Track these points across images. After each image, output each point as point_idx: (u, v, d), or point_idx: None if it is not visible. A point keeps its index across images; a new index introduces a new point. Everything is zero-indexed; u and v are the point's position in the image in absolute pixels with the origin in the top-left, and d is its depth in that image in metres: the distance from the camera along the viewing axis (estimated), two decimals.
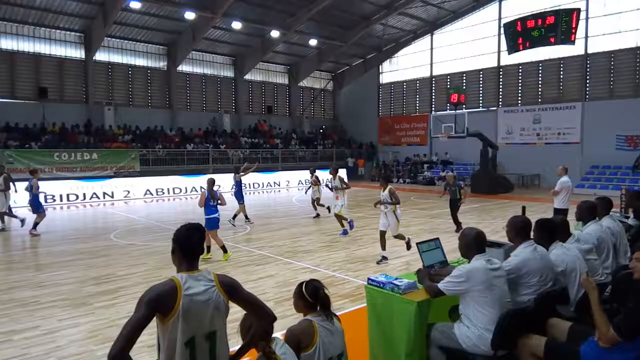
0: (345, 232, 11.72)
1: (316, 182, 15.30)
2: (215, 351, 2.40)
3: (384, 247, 8.89)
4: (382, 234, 8.89)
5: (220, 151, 27.00)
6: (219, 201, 9.08)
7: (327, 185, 13.90)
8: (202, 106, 30.45)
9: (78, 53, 25.09)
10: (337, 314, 3.20)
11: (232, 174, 14.24)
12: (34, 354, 4.92)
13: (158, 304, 2.27)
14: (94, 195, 19.98)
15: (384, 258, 8.84)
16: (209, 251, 9.02)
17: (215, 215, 8.97)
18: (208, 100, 30.70)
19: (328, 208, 14.51)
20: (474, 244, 3.57)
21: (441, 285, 3.53)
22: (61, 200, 19.13)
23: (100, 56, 25.71)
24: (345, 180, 13.14)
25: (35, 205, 12.47)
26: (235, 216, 13.13)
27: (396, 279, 3.99)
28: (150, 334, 2.20)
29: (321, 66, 34.21)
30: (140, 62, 27.57)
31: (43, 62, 24.00)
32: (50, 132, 22.81)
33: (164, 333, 2.31)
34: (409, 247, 8.97)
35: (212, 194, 9.01)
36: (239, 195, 13.55)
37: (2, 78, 22.87)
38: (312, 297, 2.95)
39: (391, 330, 3.81)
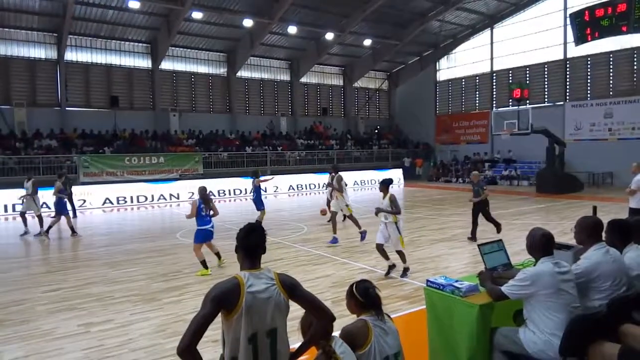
0: (335, 240, 10.65)
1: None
2: (276, 348, 2.47)
3: (386, 257, 7.89)
4: (379, 247, 7.85)
5: (277, 153, 27.57)
6: (211, 211, 8.42)
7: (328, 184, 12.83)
8: (260, 110, 31.24)
9: (145, 63, 26.62)
10: (395, 315, 3.20)
11: (251, 179, 13.51)
12: (109, 345, 5.28)
13: (222, 300, 2.37)
14: (161, 197, 21.07)
15: (391, 268, 7.87)
16: (206, 267, 8.27)
17: (209, 226, 8.35)
18: (266, 104, 31.45)
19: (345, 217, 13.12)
20: (539, 245, 3.42)
21: (505, 288, 3.41)
22: (132, 201, 20.37)
23: (165, 65, 27.10)
24: (343, 183, 11.91)
25: (57, 208, 12.53)
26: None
27: (456, 281, 3.90)
28: (214, 329, 2.31)
29: (376, 66, 33.98)
30: (202, 69, 28.77)
31: (114, 72, 25.70)
32: (121, 138, 24.35)
33: (229, 329, 2.41)
34: (405, 273, 7.78)
35: (206, 203, 8.36)
36: (258, 201, 13.17)
37: (78, 88, 24.73)
38: (362, 296, 2.98)
39: (452, 333, 3.73)
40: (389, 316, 3.08)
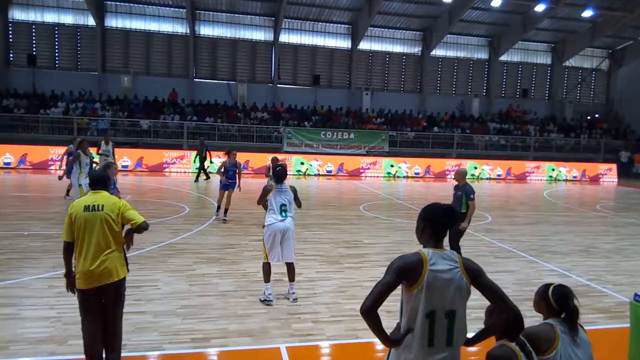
0: None
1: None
2: (453, 329, 2.50)
3: None
4: None
5: (465, 136, 26.38)
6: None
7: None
8: (451, 90, 30.22)
9: (345, 44, 28.23)
10: (588, 328, 2.90)
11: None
12: (298, 294, 6.00)
13: (405, 272, 2.50)
14: (344, 170, 22.45)
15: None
16: None
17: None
18: (458, 84, 30.24)
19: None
20: None
21: None
22: (320, 172, 22.19)
23: (363, 45, 28.22)
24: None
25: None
26: None
27: None
28: (389, 301, 2.46)
29: (594, 42, 29.20)
30: (397, 48, 29.11)
31: (318, 52, 27.95)
32: (319, 114, 26.54)
33: (408, 301, 2.53)
34: None
35: None
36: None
37: (287, 68, 27.68)
38: (557, 303, 2.75)
39: None
40: (582, 327, 2.82)
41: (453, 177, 7.79)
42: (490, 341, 2.73)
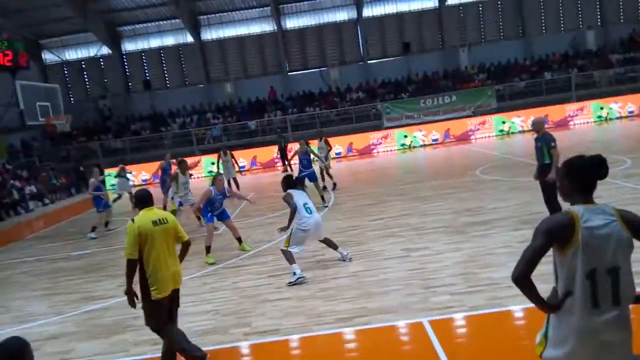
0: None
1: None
2: (618, 287, 2.34)
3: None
4: None
5: (584, 75, 23.60)
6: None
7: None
8: (559, 26, 27.16)
9: (432, 3, 26.78)
10: None
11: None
12: (429, 268, 5.99)
13: (555, 234, 2.36)
14: (451, 135, 21.50)
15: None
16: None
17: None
18: (566, 18, 27.06)
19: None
20: None
21: None
22: (429, 141, 21.54)
23: (452, 0, 26.54)
24: None
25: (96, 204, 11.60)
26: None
27: None
28: (542, 264, 2.34)
29: None
30: None
31: (405, 19, 26.96)
32: (414, 82, 25.68)
33: (563, 263, 2.39)
34: None
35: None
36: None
37: (375, 41, 27.16)
38: None
39: None
40: None
41: (531, 127, 7.60)
42: None
